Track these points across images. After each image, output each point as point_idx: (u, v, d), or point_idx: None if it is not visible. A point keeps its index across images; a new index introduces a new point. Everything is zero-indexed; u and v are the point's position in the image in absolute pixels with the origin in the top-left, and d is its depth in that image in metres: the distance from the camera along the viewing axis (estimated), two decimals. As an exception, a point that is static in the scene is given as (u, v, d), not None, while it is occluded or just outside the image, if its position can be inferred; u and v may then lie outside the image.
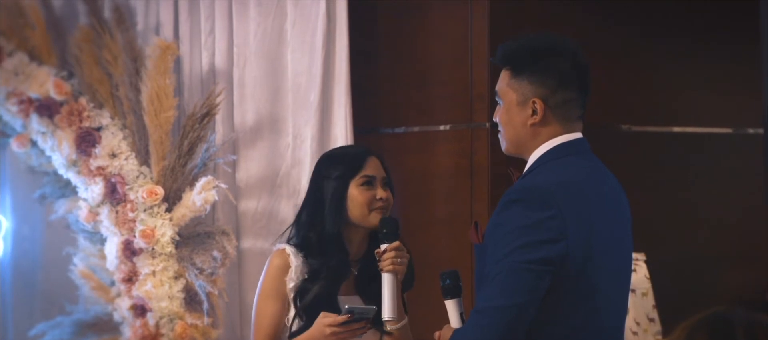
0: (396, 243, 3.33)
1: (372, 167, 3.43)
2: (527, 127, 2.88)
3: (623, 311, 2.98)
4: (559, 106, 2.87)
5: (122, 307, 4.72)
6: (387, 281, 3.30)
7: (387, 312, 3.28)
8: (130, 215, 4.68)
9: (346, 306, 3.29)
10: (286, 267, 3.40)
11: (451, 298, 2.96)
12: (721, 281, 5.15)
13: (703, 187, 5.22)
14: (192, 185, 4.72)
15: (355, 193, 3.39)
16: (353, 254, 3.44)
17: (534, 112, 2.87)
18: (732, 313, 1.92)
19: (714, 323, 1.92)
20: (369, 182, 3.40)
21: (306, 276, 3.39)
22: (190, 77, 5.03)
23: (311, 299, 3.36)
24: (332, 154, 3.54)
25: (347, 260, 3.42)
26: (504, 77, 2.93)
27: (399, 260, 3.33)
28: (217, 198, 4.72)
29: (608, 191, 2.91)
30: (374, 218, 3.39)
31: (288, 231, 3.49)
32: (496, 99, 2.95)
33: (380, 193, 3.40)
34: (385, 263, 3.31)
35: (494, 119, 2.97)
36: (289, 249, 3.41)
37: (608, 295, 2.85)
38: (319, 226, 3.40)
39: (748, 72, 5.16)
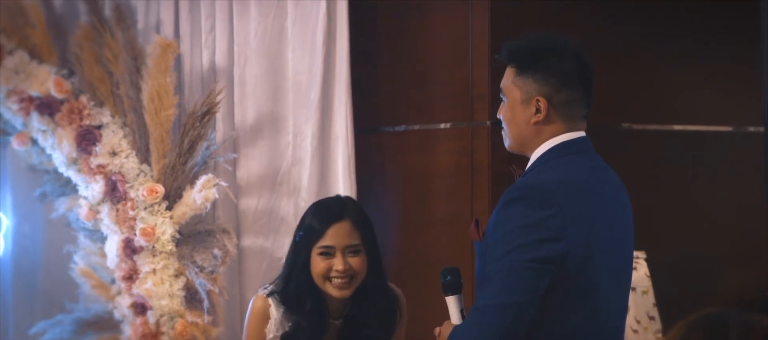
0: None
1: (333, 236, 3.33)
2: (530, 126, 2.89)
3: (624, 310, 2.98)
4: (563, 105, 2.87)
5: (123, 305, 4.72)
6: None
7: None
8: (131, 213, 4.68)
9: None
10: (266, 316, 3.40)
11: (452, 294, 2.95)
12: (722, 280, 5.15)
13: (704, 185, 5.22)
14: (192, 183, 4.72)
15: (316, 260, 3.34)
16: (334, 310, 3.41)
17: (537, 111, 2.87)
18: (727, 313, 1.93)
19: (709, 323, 1.93)
20: (327, 252, 3.34)
21: (286, 329, 3.39)
22: (191, 75, 5.04)
23: None
24: (312, 210, 3.43)
25: (322, 321, 3.38)
26: (509, 75, 2.93)
27: None
28: (217, 196, 4.72)
29: (610, 190, 2.92)
30: (331, 289, 3.33)
31: (278, 279, 3.47)
32: (501, 96, 2.95)
33: (338, 264, 3.31)
34: None
35: (498, 116, 2.97)
36: (272, 300, 3.40)
37: (608, 294, 2.85)
38: (293, 283, 3.39)
39: (749, 71, 5.16)
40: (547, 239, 2.72)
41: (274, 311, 3.39)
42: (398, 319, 3.44)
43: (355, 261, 3.33)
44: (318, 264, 3.32)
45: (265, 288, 3.43)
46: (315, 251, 3.33)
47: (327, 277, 3.32)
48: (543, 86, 2.87)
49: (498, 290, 2.72)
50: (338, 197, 3.51)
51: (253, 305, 3.43)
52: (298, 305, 3.37)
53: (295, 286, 3.37)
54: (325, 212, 3.37)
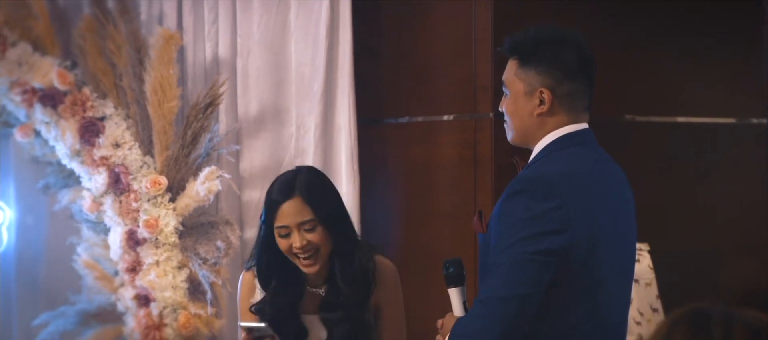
0: None
1: (286, 216, 3.29)
2: (534, 117, 2.88)
3: (626, 305, 2.97)
4: (566, 96, 2.87)
5: (126, 297, 4.73)
6: None
7: None
8: (134, 204, 4.68)
9: (239, 323, 3.34)
10: (252, 288, 3.44)
11: (455, 286, 2.95)
12: (725, 272, 5.15)
13: (708, 177, 5.21)
14: (195, 175, 4.72)
15: (278, 239, 3.33)
16: (313, 279, 3.40)
17: (541, 102, 2.87)
18: (710, 307, 1.92)
19: (692, 319, 1.92)
20: (284, 232, 3.33)
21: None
22: (194, 67, 5.03)
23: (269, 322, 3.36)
24: (271, 187, 3.40)
25: (288, 296, 3.37)
26: (511, 67, 2.93)
27: None
28: (220, 188, 4.73)
29: (613, 183, 2.91)
30: (299, 265, 3.32)
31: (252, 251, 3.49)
32: (503, 89, 2.95)
33: (296, 241, 3.28)
34: None
35: (500, 109, 2.97)
36: (257, 272, 3.43)
37: (611, 289, 2.85)
38: (263, 258, 3.40)
39: (753, 62, 5.16)
40: (551, 231, 2.72)
41: (259, 284, 3.42)
42: (372, 287, 3.37)
43: (312, 236, 3.29)
44: (281, 243, 3.32)
45: (250, 263, 3.46)
46: (275, 232, 3.33)
47: (292, 254, 3.32)
48: (546, 78, 2.87)
49: (501, 282, 2.72)
50: (295, 169, 3.46)
51: (242, 281, 3.47)
52: (266, 281, 3.39)
53: (265, 261, 3.38)
54: (277, 189, 3.35)
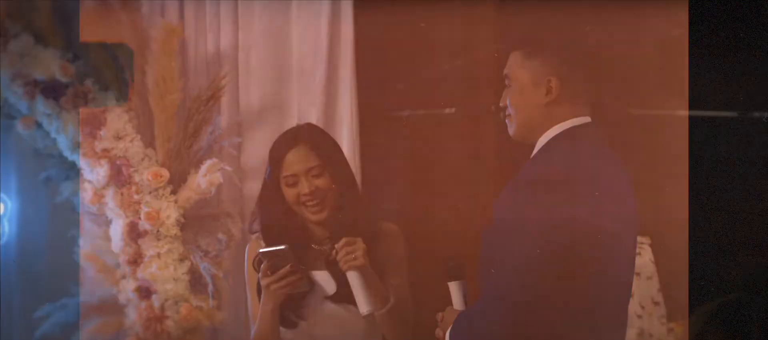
0: (342, 241, 3.27)
1: (292, 163, 3.37)
2: (541, 107, 2.89)
3: (626, 301, 2.98)
4: (572, 85, 2.88)
5: (127, 289, 4.73)
6: (351, 280, 3.28)
7: (364, 308, 3.27)
8: (135, 197, 4.68)
9: (259, 251, 3.34)
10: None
11: (455, 280, 2.96)
12: (727, 266, 5.14)
13: (710, 170, 5.20)
14: (197, 167, 4.72)
15: (285, 191, 3.39)
16: (318, 236, 3.42)
17: (548, 91, 2.87)
18: (747, 299, 1.93)
19: (729, 309, 1.93)
20: (292, 181, 3.35)
21: None
22: (195, 60, 5.03)
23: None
24: (271, 148, 3.45)
25: (294, 247, 3.39)
26: (515, 59, 2.93)
27: (352, 255, 3.27)
28: (222, 180, 4.72)
29: (615, 176, 2.91)
30: (307, 213, 3.36)
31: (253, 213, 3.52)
32: (506, 83, 2.95)
33: (304, 188, 3.35)
34: (341, 263, 3.28)
35: (502, 104, 2.97)
36: (260, 224, 3.50)
37: (612, 284, 2.85)
38: (265, 216, 3.42)
39: (755, 55, 5.14)
40: (558, 225, 2.72)
41: (263, 239, 3.46)
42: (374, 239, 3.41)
43: (320, 181, 3.37)
44: (288, 193, 3.38)
45: (253, 226, 3.48)
46: (282, 183, 3.36)
47: (301, 203, 3.34)
48: (553, 67, 2.87)
49: (507, 278, 2.72)
50: (295, 126, 3.52)
51: (247, 249, 3.55)
52: (270, 237, 3.40)
53: (268, 213, 3.43)
54: (281, 141, 3.41)
